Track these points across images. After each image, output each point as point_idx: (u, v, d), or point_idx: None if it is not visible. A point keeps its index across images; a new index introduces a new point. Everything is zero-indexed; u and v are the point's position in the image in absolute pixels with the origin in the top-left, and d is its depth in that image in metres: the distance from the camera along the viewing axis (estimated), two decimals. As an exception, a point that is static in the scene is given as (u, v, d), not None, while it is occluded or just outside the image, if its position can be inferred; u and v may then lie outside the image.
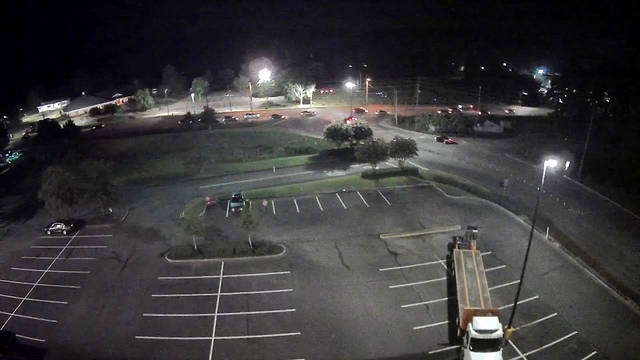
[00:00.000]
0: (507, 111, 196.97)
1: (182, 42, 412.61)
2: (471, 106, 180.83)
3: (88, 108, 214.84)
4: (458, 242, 60.23)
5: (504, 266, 58.69)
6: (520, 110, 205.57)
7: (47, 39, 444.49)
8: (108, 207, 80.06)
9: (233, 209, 76.76)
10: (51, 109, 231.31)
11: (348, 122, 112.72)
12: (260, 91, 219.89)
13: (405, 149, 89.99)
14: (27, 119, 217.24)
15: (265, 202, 76.80)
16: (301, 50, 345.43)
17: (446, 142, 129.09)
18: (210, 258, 62.22)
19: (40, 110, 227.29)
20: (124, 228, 75.15)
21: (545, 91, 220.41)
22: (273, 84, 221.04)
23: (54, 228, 74.55)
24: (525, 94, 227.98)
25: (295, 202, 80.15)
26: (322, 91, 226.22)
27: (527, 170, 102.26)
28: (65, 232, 73.87)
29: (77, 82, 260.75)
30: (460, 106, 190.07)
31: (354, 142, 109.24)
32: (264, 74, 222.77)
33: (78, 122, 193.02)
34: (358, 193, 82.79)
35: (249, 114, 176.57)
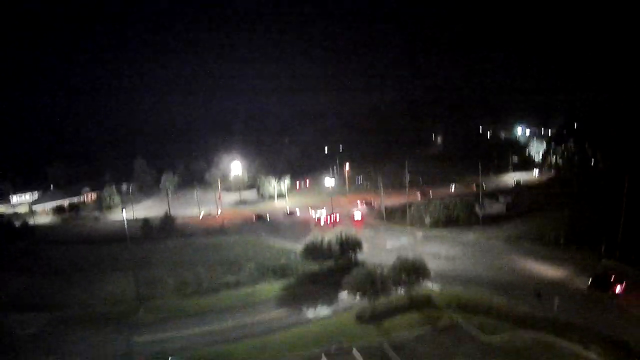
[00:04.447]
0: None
1: (156, 134, 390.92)
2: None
3: (54, 204, 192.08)
4: None
5: None
6: (513, 179, 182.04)
7: (24, 128, 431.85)
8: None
9: None
10: (21, 202, 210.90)
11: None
12: (232, 186, 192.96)
13: (413, 273, 61.28)
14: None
15: None
16: (275, 138, 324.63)
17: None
18: None
19: (11, 202, 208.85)
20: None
21: (538, 152, 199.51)
22: (246, 178, 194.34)
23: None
24: (516, 159, 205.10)
25: (260, 380, 49.79)
26: (297, 184, 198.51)
27: (557, 262, 78.89)
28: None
29: (51, 172, 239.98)
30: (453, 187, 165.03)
31: (340, 257, 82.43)
32: (236, 167, 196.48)
33: (44, 218, 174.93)
34: (355, 353, 52.38)
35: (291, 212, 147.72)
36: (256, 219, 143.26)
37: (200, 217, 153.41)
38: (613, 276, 65.39)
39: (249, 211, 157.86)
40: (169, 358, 52.68)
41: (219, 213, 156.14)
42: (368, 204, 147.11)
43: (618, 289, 63.07)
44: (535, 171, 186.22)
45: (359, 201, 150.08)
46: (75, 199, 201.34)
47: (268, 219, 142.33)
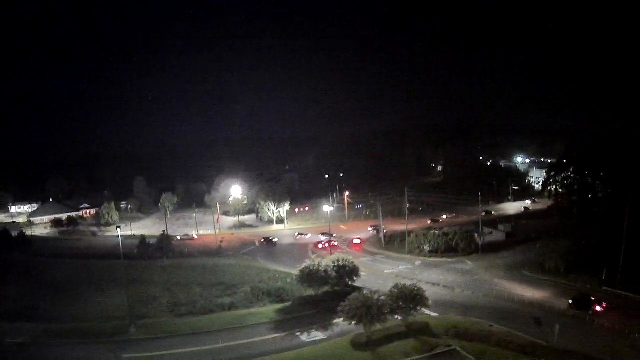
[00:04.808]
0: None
1: (158, 155, 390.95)
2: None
3: (52, 217, 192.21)
4: None
5: None
6: (513, 207, 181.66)
7: (28, 140, 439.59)
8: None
9: None
10: (21, 212, 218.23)
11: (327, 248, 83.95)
12: (232, 210, 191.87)
13: (410, 301, 59.70)
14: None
15: None
16: (276, 163, 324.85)
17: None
18: None
19: (10, 211, 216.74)
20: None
21: (538, 180, 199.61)
22: (245, 202, 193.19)
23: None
24: (516, 187, 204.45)
25: (252, 408, 47.83)
26: (297, 210, 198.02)
27: (558, 290, 78.15)
28: None
29: (50, 186, 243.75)
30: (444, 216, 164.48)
31: (336, 283, 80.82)
32: (236, 191, 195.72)
33: (41, 230, 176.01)
34: None
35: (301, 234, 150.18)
36: (264, 241, 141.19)
37: (179, 238, 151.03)
38: (593, 298, 68.79)
39: (247, 234, 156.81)
40: None
41: (196, 236, 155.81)
42: (377, 230, 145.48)
43: (598, 308, 66.32)
44: (535, 199, 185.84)
45: (370, 227, 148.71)
46: (73, 214, 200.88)
47: (275, 242, 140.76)
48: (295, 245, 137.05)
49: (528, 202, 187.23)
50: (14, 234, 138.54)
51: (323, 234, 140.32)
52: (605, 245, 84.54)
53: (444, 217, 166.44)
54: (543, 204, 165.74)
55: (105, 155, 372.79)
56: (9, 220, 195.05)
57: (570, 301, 70.32)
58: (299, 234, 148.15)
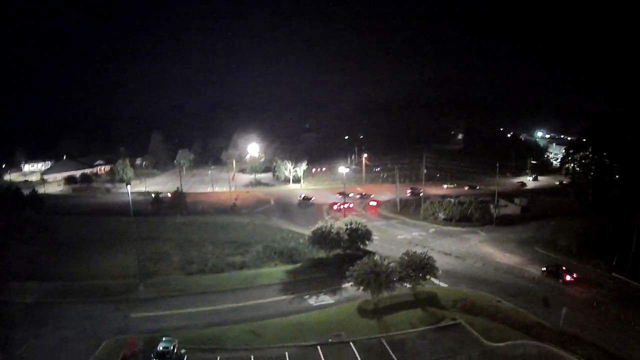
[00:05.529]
0: None
1: (176, 110, 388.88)
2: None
3: (66, 174, 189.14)
4: None
5: None
6: (530, 181, 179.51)
7: (41, 99, 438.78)
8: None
9: None
10: (33, 170, 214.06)
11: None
12: (248, 167, 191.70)
13: (420, 270, 59.21)
14: (9, 177, 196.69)
15: None
16: (296, 122, 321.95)
17: None
18: None
19: (23, 170, 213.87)
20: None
21: (557, 157, 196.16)
22: (262, 159, 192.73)
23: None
24: (534, 162, 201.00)
25: (253, 366, 47.82)
26: (314, 169, 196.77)
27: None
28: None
29: (64, 143, 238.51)
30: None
31: (348, 246, 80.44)
32: (253, 148, 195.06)
33: (55, 188, 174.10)
34: (352, 347, 50.18)
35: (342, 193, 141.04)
36: (301, 198, 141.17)
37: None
38: (564, 267, 73.23)
39: (263, 193, 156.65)
40: (162, 338, 50.95)
41: (169, 194, 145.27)
42: (415, 194, 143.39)
43: (568, 278, 70.16)
44: (553, 176, 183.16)
45: (408, 190, 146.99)
46: (87, 171, 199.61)
47: (312, 200, 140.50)
48: (309, 205, 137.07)
49: (529, 178, 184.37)
50: (26, 192, 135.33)
51: (360, 195, 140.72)
52: (619, 230, 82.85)
53: (468, 185, 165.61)
54: (560, 181, 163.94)
55: (121, 111, 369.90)
56: (22, 178, 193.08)
57: (544, 269, 75.00)
58: (340, 194, 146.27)
